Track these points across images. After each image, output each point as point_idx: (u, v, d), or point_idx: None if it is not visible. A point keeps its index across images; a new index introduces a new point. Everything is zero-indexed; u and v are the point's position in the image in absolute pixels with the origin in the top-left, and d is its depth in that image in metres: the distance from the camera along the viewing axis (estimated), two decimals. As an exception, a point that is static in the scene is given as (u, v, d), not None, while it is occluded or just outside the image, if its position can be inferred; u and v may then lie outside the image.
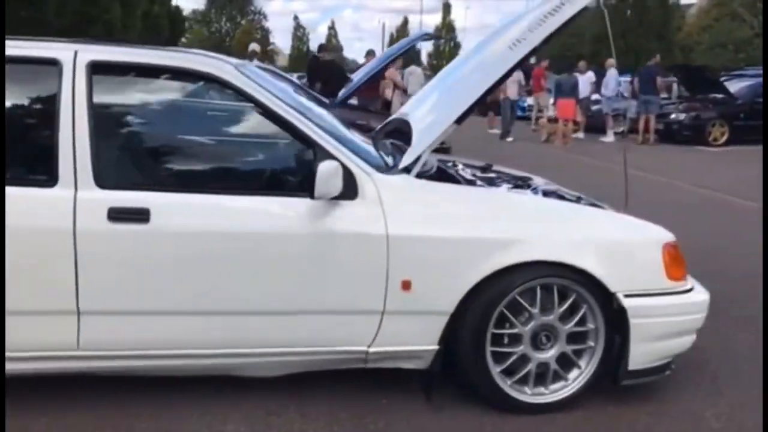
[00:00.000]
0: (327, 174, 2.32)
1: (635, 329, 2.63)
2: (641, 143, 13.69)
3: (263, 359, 2.55)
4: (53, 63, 2.43)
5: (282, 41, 64.49)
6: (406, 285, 2.50)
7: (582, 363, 2.70)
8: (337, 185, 2.38)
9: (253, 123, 2.58)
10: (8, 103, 2.41)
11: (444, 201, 2.59)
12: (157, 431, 2.43)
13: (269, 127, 2.53)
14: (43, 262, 2.34)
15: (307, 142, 2.51)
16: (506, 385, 2.63)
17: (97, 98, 2.43)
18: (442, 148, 8.12)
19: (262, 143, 2.66)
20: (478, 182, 3.03)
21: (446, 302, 2.52)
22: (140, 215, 2.35)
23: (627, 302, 2.61)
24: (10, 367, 2.37)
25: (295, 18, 66.58)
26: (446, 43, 52.86)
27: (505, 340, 2.62)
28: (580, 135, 15.00)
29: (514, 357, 2.63)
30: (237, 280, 2.44)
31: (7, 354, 2.35)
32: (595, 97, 15.65)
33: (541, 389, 2.68)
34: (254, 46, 10.39)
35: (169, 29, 18.64)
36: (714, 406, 2.77)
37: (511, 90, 14.28)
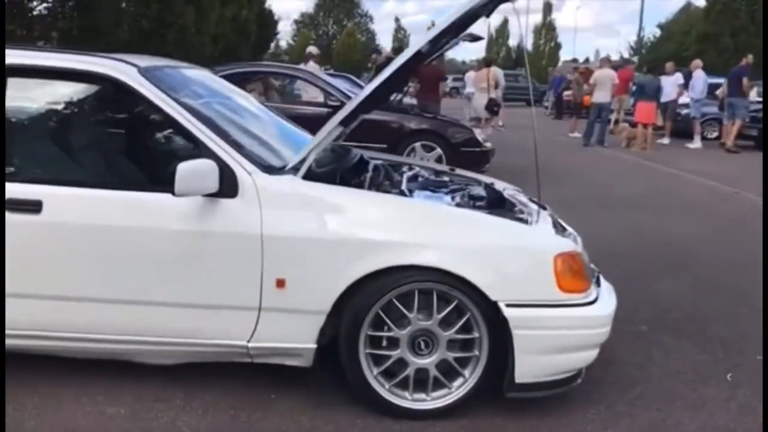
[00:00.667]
0: (187, 172, 2.41)
1: (519, 341, 2.56)
2: (726, 149, 12.88)
3: (152, 347, 2.69)
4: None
5: (388, 43, 65.08)
6: (281, 283, 2.56)
7: (466, 372, 2.64)
8: (207, 184, 2.47)
9: (148, 124, 2.71)
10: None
11: (324, 203, 2.61)
12: (47, 408, 2.61)
13: (163, 129, 2.67)
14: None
15: (195, 142, 2.62)
16: (383, 388, 2.62)
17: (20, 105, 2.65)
18: (482, 150, 8.09)
19: (154, 143, 2.79)
20: (399, 187, 3.01)
21: (321, 302, 2.56)
22: (32, 209, 2.55)
23: (508, 312, 2.54)
24: None
25: (396, 20, 67.10)
26: (546, 42, 51.65)
27: (384, 343, 2.62)
28: (665, 140, 14.28)
29: (391, 360, 2.63)
30: (119, 271, 2.59)
31: None
32: (683, 100, 14.85)
33: (423, 395, 2.65)
34: (311, 49, 10.68)
35: (257, 33, 19.35)
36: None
37: (601, 94, 13.58)
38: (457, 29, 2.75)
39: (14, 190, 2.56)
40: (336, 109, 7.36)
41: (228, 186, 2.55)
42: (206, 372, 2.80)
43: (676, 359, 3.27)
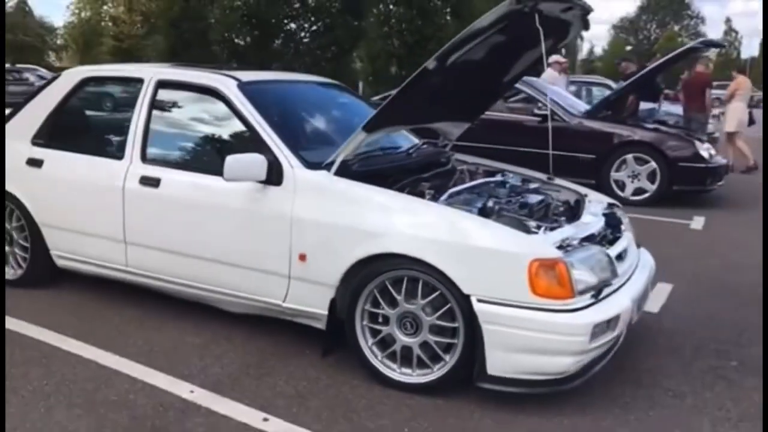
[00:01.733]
0: (233, 163, 3.11)
1: (488, 335, 2.78)
2: None
3: (223, 297, 3.47)
4: (139, 81, 3.77)
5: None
6: (303, 257, 3.15)
7: (447, 356, 2.93)
8: (253, 173, 3.15)
9: (233, 124, 3.47)
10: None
11: (342, 196, 3.11)
12: (152, 329, 3.56)
13: (242, 129, 3.41)
14: (104, 208, 3.68)
15: (260, 141, 3.31)
16: (376, 358, 3.04)
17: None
18: (706, 167, 7.49)
19: (234, 138, 3.52)
20: (436, 190, 3.35)
21: (331, 277, 3.08)
22: (153, 183, 3.52)
23: (478, 306, 2.78)
24: (89, 269, 3.81)
25: (727, 21, 60.72)
26: None
27: (379, 319, 3.04)
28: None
29: (382, 334, 3.03)
30: (201, 235, 3.43)
31: (85, 259, 3.79)
32: None
33: (408, 370, 3.00)
34: (555, 57, 10.73)
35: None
36: None
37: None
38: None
39: (145, 169, 3.56)
40: (544, 119, 7.51)
41: (276, 176, 3.21)
42: (259, 323, 3.49)
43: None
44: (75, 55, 33.48)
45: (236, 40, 8.93)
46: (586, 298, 2.81)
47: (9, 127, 4.19)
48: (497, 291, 2.78)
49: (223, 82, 3.55)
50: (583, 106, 8.67)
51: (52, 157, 3.95)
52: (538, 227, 3.06)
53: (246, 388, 2.97)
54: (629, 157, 7.75)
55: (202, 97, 3.64)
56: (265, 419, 2.73)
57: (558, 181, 4.05)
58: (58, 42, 34.41)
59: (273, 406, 2.83)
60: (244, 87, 3.53)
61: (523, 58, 3.84)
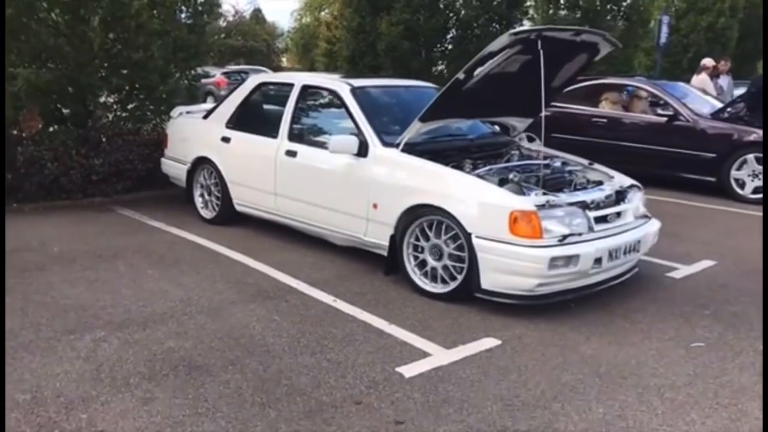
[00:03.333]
0: (335, 142, 4.72)
1: (482, 261, 4.13)
2: None
3: (330, 233, 5.12)
4: (291, 85, 5.57)
5: None
6: (375, 206, 4.69)
7: (458, 276, 4.30)
8: (349, 148, 4.75)
9: (345, 116, 5.09)
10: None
11: (402, 165, 4.59)
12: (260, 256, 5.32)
13: (348, 120, 5.03)
14: (264, 171, 5.51)
15: (359, 129, 4.91)
16: (416, 276, 4.50)
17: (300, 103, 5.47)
18: None
19: (344, 125, 5.12)
20: (474, 165, 4.70)
21: (391, 219, 4.58)
22: (293, 154, 5.28)
23: (476, 241, 4.14)
24: (255, 213, 5.71)
25: None
26: None
27: (419, 249, 4.49)
28: None
29: (420, 259, 4.48)
30: (320, 189, 5.11)
31: (253, 206, 5.67)
32: None
33: (435, 284, 4.42)
34: (705, 62, 11.03)
35: (737, 43, 19.05)
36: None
37: None
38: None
39: (289, 145, 5.34)
40: (671, 119, 8.29)
41: (364, 151, 4.78)
42: (355, 253, 5.07)
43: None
44: (295, 57, 37.87)
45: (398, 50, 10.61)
46: (553, 241, 4.03)
47: (214, 114, 6.22)
48: (489, 231, 4.11)
49: (340, 86, 5.20)
50: (714, 107, 9.13)
51: (235, 136, 5.89)
52: (532, 192, 4.30)
53: (331, 286, 4.58)
54: (750, 156, 8.16)
55: (329, 97, 5.33)
56: (335, 300, 4.32)
57: (596, 166, 5.16)
58: (280, 46, 39.16)
59: (342, 294, 4.41)
60: (354, 90, 5.15)
61: (565, 68, 5.02)
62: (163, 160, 6.80)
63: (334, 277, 4.76)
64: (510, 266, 4.02)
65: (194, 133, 6.37)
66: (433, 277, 4.44)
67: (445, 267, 4.37)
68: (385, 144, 4.77)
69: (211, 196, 6.19)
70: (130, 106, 7.30)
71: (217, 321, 3.94)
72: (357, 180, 4.81)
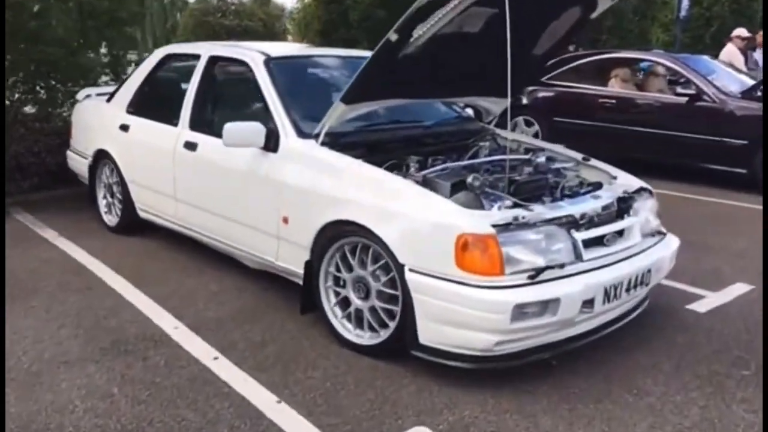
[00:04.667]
0: (231, 130, 3.42)
1: (418, 304, 2.85)
2: None
3: (237, 252, 3.86)
4: (198, 57, 4.27)
5: None
6: (286, 220, 3.41)
7: (391, 323, 3.02)
8: (251, 140, 3.45)
9: (255, 96, 3.80)
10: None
11: (319, 164, 3.30)
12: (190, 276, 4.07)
13: (259, 99, 3.73)
14: (163, 168, 4.25)
15: (268, 111, 3.62)
16: (336, 319, 3.22)
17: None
18: None
19: (253, 108, 3.83)
20: (418, 163, 3.40)
21: (305, 239, 3.30)
22: (193, 147, 4.00)
23: (409, 276, 2.85)
24: (159, 221, 4.43)
25: None
26: None
27: (341, 283, 3.21)
28: None
29: (341, 296, 3.21)
30: (218, 193, 3.84)
31: (155, 212, 4.40)
32: None
33: (361, 332, 3.15)
34: (738, 32, 9.60)
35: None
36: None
37: None
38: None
39: (190, 135, 4.05)
40: (693, 99, 6.87)
41: (274, 143, 3.50)
42: (274, 278, 3.81)
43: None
44: (297, 38, 36.32)
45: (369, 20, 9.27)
46: (521, 278, 2.74)
47: (116, 96, 4.96)
48: (427, 262, 2.82)
49: (253, 57, 3.91)
50: (746, 85, 7.71)
51: (135, 123, 4.63)
52: (497, 203, 3.00)
53: (223, 331, 3.33)
54: None
55: (239, 71, 4.03)
56: (215, 358, 3.06)
57: (594, 162, 3.84)
58: (288, 26, 37.53)
59: (233, 346, 3.16)
60: (269, 61, 3.85)
61: (550, 29, 3.69)
62: (68, 152, 5.56)
63: (233, 317, 3.51)
64: (456, 315, 2.74)
65: (96, 121, 5.12)
66: (359, 321, 3.17)
67: (373, 309, 3.10)
68: (302, 135, 3.48)
69: (114, 198, 4.94)
70: (38, 88, 6.05)
71: (24, 400, 2.70)
72: (263, 184, 3.54)
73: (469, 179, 3.16)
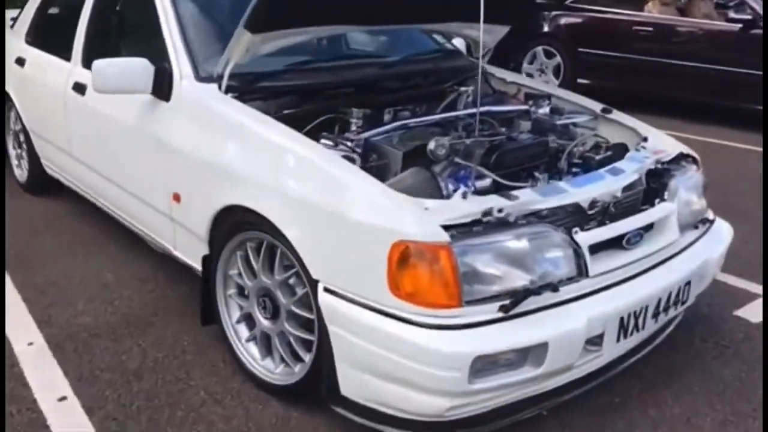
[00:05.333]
0: (103, 69, 2.40)
1: (336, 341, 1.90)
2: None
3: (138, 231, 2.92)
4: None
5: None
6: (177, 198, 2.45)
7: (306, 356, 2.09)
8: (132, 84, 2.45)
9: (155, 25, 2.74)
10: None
11: (219, 122, 2.29)
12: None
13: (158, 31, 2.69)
14: (56, 115, 3.27)
15: (163, 45, 2.58)
16: (237, 341, 2.30)
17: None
18: None
19: (148, 43, 2.79)
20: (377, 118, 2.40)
21: (200, 227, 2.34)
22: (82, 90, 3.01)
23: (323, 298, 1.89)
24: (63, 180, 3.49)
25: None
26: None
27: (245, 292, 2.27)
28: None
29: (242, 311, 2.28)
30: (112, 155, 2.88)
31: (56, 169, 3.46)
32: None
33: (271, 365, 2.22)
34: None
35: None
36: None
37: None
38: None
39: (80, 74, 3.05)
40: (748, 26, 5.62)
41: (167, 89, 2.49)
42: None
43: None
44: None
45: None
46: (488, 309, 1.76)
47: (19, 21, 3.95)
48: (348, 281, 1.85)
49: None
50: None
51: (31, 56, 3.64)
52: (462, 186, 2.00)
53: (91, 351, 2.43)
54: None
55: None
56: (62, 398, 2.17)
57: (615, 115, 2.78)
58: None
59: (92, 381, 2.26)
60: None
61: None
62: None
63: (115, 327, 2.60)
64: (387, 365, 1.78)
65: (-1, 52, 4.13)
66: (267, 347, 2.24)
67: (283, 335, 2.16)
68: (202, 78, 2.46)
69: (22, 149, 4.01)
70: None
71: None
72: (151, 145, 2.56)
73: (431, 145, 2.15)
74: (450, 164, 2.16)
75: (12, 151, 4.15)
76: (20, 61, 3.68)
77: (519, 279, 1.81)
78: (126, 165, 2.78)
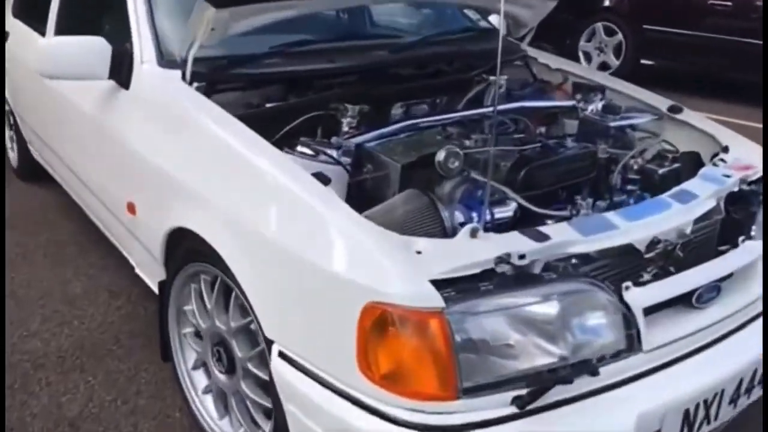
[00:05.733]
0: (48, 50, 1.96)
1: (292, 423, 1.43)
2: None
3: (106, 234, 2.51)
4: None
5: None
6: (131, 208, 2.00)
7: (266, 425, 1.63)
8: (85, 68, 1.99)
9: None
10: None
11: (171, 118, 1.84)
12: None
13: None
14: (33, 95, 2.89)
15: (129, 26, 2.12)
16: (191, 391, 1.86)
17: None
18: None
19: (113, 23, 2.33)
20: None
21: (155, 246, 1.90)
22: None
23: (276, 365, 1.42)
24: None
25: None
26: None
27: (199, 334, 1.82)
28: None
29: (195, 357, 1.83)
30: (76, 147, 2.47)
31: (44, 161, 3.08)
32: None
33: (227, 422, 1.77)
34: None
35: None
36: None
37: None
38: None
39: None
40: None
41: (126, 74, 2.04)
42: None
43: None
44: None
45: None
46: (496, 402, 1.26)
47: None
48: (309, 349, 1.37)
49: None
50: None
51: (15, 30, 3.24)
52: (475, 214, 1.50)
53: (30, 390, 2.03)
54: None
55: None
56: (-26, 458, 1.78)
57: (686, 115, 2.20)
58: None
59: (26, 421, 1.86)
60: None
61: None
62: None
63: (65, 356, 2.19)
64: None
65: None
66: (225, 405, 1.79)
67: (239, 395, 1.70)
68: (165, 63, 1.99)
69: (12, 131, 3.65)
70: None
71: None
72: (109, 139, 2.11)
73: (440, 155, 1.63)
74: (463, 181, 1.64)
75: (7, 134, 3.80)
76: (5, 35, 3.30)
77: (543, 355, 1.30)
78: (87, 161, 2.36)
